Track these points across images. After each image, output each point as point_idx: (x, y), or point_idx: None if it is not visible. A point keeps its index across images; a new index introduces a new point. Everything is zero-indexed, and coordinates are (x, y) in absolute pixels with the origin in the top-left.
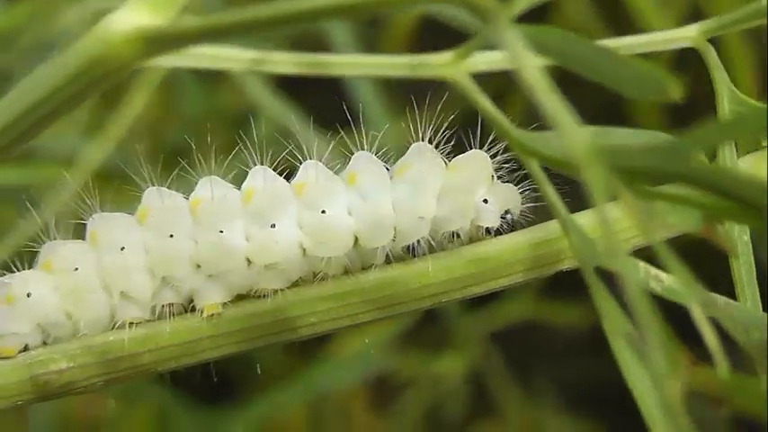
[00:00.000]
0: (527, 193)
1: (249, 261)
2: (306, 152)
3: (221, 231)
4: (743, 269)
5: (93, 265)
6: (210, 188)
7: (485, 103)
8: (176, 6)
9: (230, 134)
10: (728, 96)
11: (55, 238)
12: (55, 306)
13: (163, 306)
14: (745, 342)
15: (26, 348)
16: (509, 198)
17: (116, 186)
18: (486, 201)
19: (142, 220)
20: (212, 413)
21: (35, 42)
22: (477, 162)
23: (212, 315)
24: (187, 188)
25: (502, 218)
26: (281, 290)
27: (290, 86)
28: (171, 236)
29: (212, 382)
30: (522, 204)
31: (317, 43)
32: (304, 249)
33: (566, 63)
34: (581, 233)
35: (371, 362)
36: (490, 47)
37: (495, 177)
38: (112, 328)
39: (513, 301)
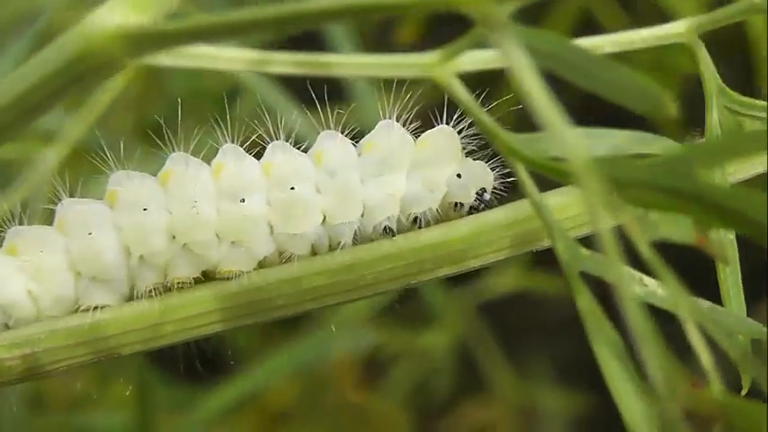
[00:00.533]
0: (498, 169)
1: (218, 236)
2: (273, 131)
3: (195, 202)
4: (728, 273)
5: (60, 250)
6: (182, 161)
7: (471, 104)
8: (163, 4)
9: (211, 110)
10: (717, 92)
11: (21, 223)
12: (18, 286)
13: (147, 289)
14: (729, 347)
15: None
16: (481, 176)
17: (91, 164)
18: (459, 176)
19: (112, 203)
20: (191, 388)
21: (12, 18)
22: (445, 137)
23: (181, 285)
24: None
25: (477, 195)
26: (247, 272)
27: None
28: (144, 209)
29: (191, 356)
30: (495, 181)
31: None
32: (271, 227)
33: (562, 70)
34: (565, 236)
35: (356, 336)
36: (476, 45)
37: (465, 155)
38: (75, 312)
39: (500, 273)
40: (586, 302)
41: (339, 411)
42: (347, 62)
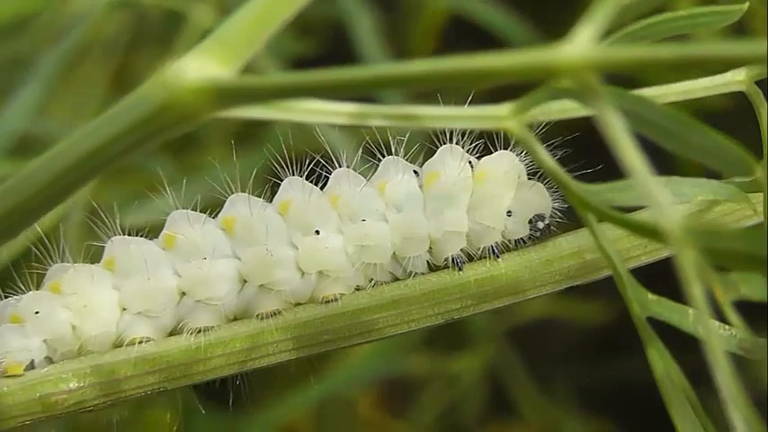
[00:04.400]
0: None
1: (301, 270)
2: (335, 160)
3: (266, 245)
4: None
5: (108, 287)
6: (244, 205)
7: (544, 154)
8: (246, 54)
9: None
10: None
11: (64, 260)
12: (62, 322)
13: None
14: None
15: (32, 367)
16: (535, 204)
17: (128, 179)
18: (510, 213)
19: (169, 245)
20: (225, 415)
21: (48, 28)
22: (504, 166)
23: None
24: (201, 181)
25: (531, 224)
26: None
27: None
28: (205, 258)
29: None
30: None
31: (339, 33)
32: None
33: (651, 133)
34: (634, 283)
35: (387, 362)
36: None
37: (525, 176)
38: (119, 346)
39: (530, 299)
40: (657, 351)
41: None
42: (426, 114)
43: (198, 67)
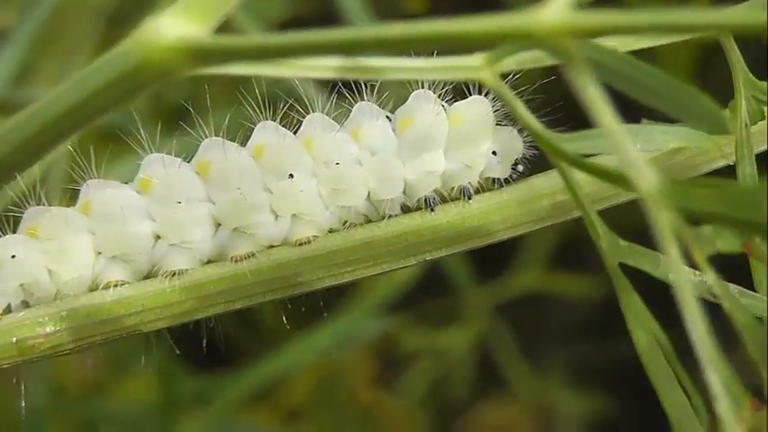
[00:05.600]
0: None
1: (275, 213)
2: (309, 105)
3: (239, 189)
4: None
5: (83, 231)
6: (218, 148)
7: (517, 103)
8: (221, 12)
9: (230, 90)
10: (744, 81)
11: (40, 203)
12: (38, 265)
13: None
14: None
15: (9, 311)
16: (514, 146)
17: (112, 142)
18: (495, 153)
19: (144, 189)
20: (211, 377)
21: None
22: (478, 110)
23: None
24: (186, 145)
25: (512, 167)
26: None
27: None
28: (180, 202)
29: (214, 345)
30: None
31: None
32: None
33: (627, 88)
34: (605, 229)
35: (376, 322)
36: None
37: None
38: (95, 289)
39: (521, 273)
40: (628, 295)
41: (354, 409)
42: (400, 66)
43: (174, 26)
